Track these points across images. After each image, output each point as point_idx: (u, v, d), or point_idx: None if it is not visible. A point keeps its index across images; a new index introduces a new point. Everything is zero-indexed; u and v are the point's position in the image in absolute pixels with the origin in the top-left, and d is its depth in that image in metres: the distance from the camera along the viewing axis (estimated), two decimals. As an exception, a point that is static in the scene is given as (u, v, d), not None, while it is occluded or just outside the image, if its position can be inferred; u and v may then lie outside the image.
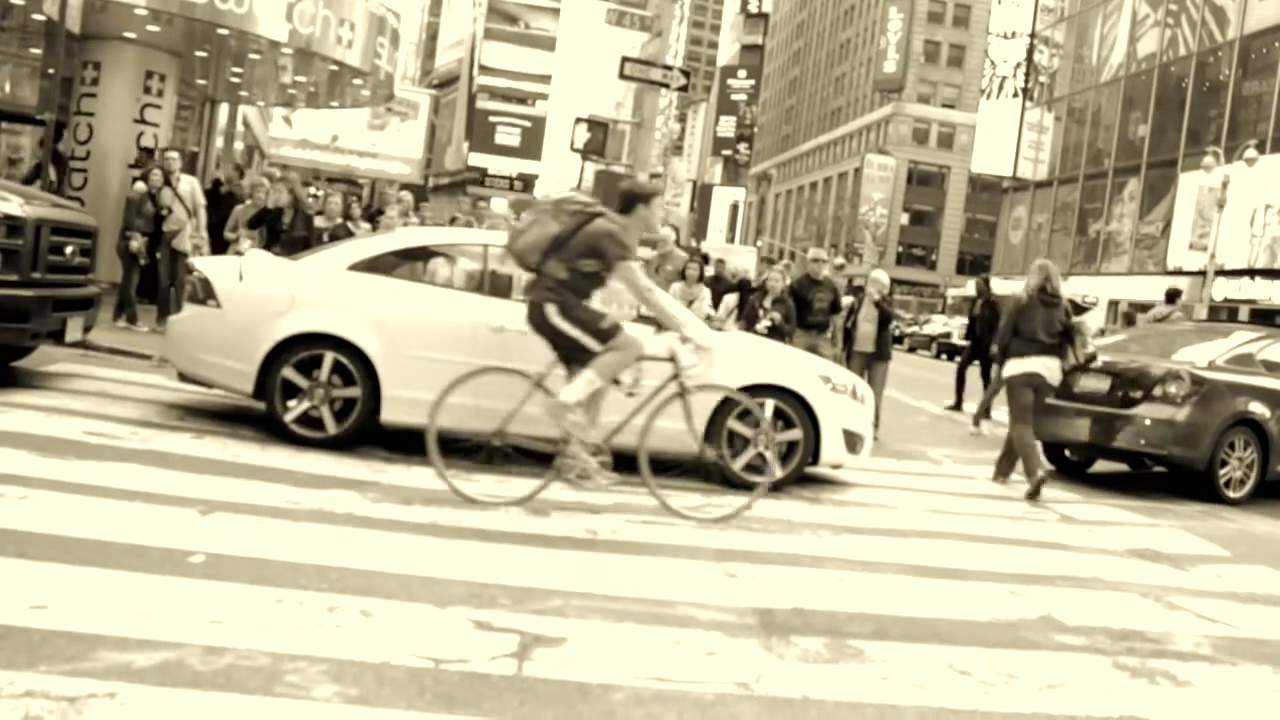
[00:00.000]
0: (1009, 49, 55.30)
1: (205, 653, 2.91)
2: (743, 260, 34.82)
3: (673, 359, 5.47)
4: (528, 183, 67.74)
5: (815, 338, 10.04)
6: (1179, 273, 35.51)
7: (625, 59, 18.72)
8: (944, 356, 35.44)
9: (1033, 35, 52.15)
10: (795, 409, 6.61)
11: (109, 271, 10.28)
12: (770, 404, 6.57)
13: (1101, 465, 9.71)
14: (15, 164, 14.78)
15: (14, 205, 6.30)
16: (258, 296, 6.27)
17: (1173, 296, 13.50)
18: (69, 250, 6.77)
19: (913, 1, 74.66)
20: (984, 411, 12.28)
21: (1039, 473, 7.76)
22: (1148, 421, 8.39)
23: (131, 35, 13.72)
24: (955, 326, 36.66)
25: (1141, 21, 42.49)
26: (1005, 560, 5.46)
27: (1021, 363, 8.02)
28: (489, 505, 5.19)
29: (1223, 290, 31.88)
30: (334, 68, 14.73)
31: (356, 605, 3.47)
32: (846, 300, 10.90)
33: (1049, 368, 7.98)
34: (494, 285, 6.57)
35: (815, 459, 6.72)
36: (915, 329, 43.74)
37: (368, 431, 6.29)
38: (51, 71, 10.93)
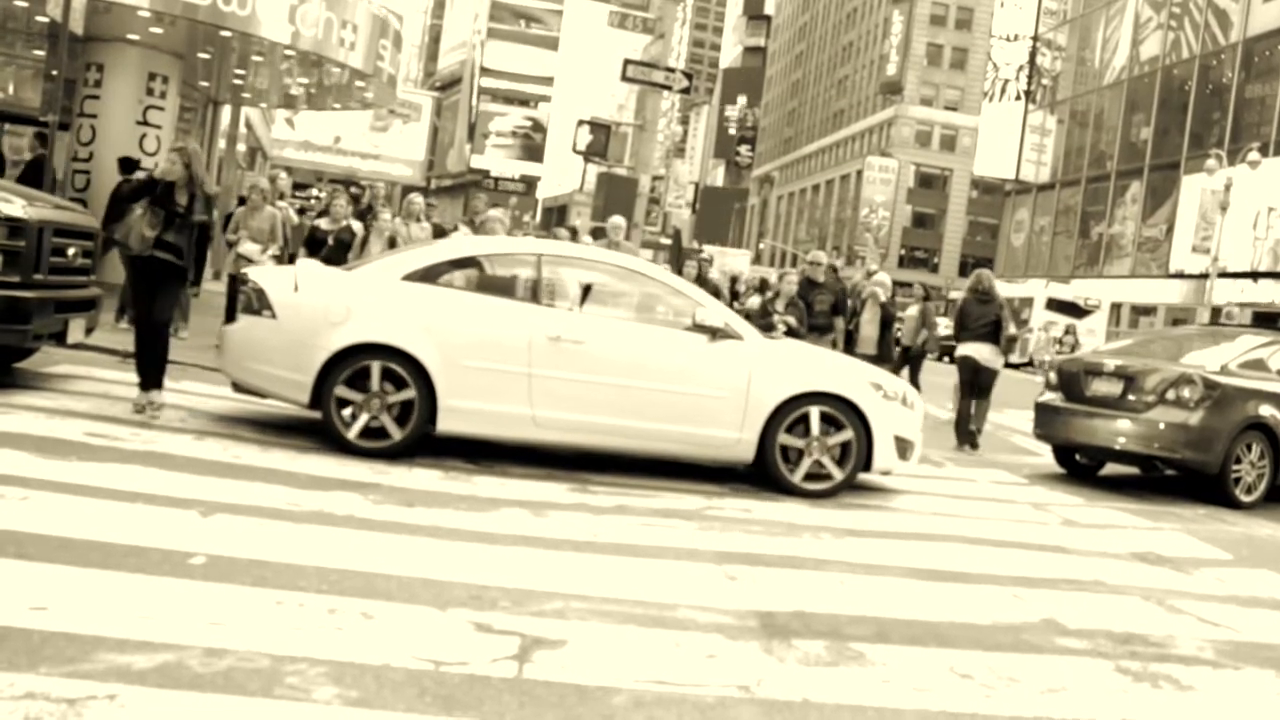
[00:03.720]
0: (1011, 52, 55.34)
1: (205, 654, 2.91)
2: (737, 263, 34.77)
3: None
4: (530, 185, 67.85)
5: (817, 339, 10.04)
6: (1181, 275, 35.54)
7: (628, 61, 18.61)
8: (946, 359, 35.35)
9: (1035, 38, 52.18)
10: (848, 416, 6.61)
11: (114, 272, 10.24)
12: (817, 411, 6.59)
13: (1111, 468, 9.69)
14: (17, 165, 14.79)
15: (16, 207, 6.31)
16: (314, 307, 6.19)
17: None
18: (71, 252, 6.77)
19: (914, 4, 74.61)
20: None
21: (967, 437, 10.30)
22: (1161, 425, 8.36)
23: (134, 37, 13.73)
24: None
25: (1144, 24, 42.50)
26: (1007, 563, 5.45)
27: (961, 348, 10.50)
28: None
29: (1225, 293, 31.84)
30: (336, 70, 14.73)
31: (357, 607, 3.47)
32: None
33: (979, 351, 10.31)
34: (548, 294, 6.54)
35: (867, 465, 6.75)
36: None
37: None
38: (54, 73, 10.92)
